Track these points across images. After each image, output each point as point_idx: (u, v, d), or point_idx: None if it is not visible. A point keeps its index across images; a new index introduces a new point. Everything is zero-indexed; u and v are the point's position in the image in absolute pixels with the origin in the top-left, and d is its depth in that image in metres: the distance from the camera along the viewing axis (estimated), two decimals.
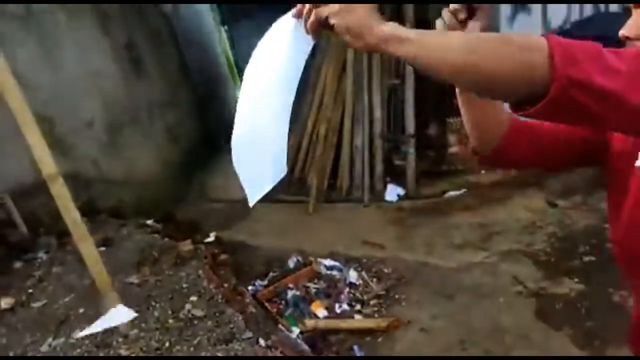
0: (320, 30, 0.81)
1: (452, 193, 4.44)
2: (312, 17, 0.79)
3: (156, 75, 5.66)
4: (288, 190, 5.33)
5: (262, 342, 2.67)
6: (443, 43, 0.73)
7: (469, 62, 0.70)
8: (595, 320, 2.77)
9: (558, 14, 4.11)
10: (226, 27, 5.67)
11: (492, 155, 1.12)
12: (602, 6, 3.89)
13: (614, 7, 3.88)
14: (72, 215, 2.40)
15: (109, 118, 4.73)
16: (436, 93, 4.80)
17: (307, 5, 0.80)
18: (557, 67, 0.66)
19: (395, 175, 4.80)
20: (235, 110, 0.94)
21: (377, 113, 4.55)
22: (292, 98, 0.89)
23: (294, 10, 0.85)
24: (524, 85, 0.69)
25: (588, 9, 3.90)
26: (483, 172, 4.56)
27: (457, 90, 1.06)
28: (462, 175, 4.59)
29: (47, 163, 2.25)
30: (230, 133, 0.95)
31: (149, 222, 4.29)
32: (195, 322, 2.93)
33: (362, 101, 4.61)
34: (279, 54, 0.87)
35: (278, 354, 2.56)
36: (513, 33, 0.73)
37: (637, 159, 1.01)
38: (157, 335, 2.83)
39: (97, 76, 4.54)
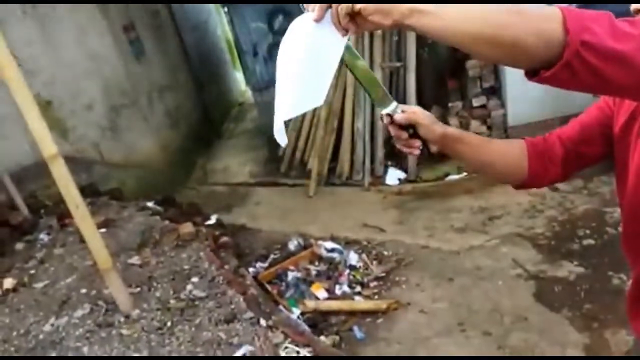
0: (350, 21, 0.81)
1: (453, 176, 4.44)
2: (343, 11, 0.79)
3: (156, 58, 5.64)
4: (289, 173, 5.34)
5: (262, 322, 2.69)
6: (463, 15, 0.75)
7: (489, 33, 0.73)
8: (594, 303, 2.79)
9: None
10: (226, 9, 5.62)
11: (526, 184, 1.21)
12: None
13: None
14: (73, 197, 2.39)
15: (108, 101, 4.71)
16: (437, 76, 4.77)
17: (333, 5, 0.81)
18: (570, 32, 0.70)
19: (396, 159, 4.79)
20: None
21: None
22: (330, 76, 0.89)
23: (314, 15, 0.83)
24: (540, 52, 0.73)
25: None
26: None
27: (466, 158, 1.17)
28: None
29: (48, 144, 2.25)
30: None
31: (150, 204, 4.29)
32: (197, 302, 2.95)
33: None
34: (311, 52, 0.86)
35: (279, 334, 2.59)
36: (527, 5, 0.77)
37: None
38: (159, 315, 2.85)
39: (97, 59, 4.51)
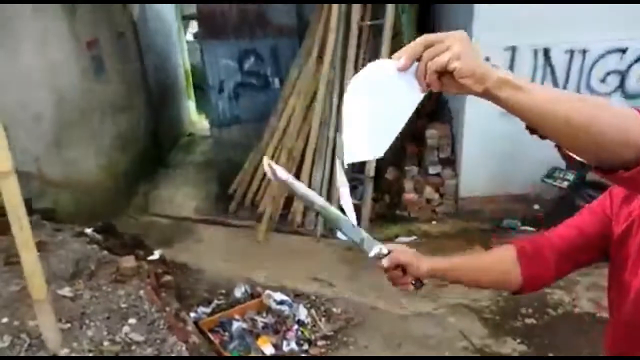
0: (437, 79, 0.78)
1: (402, 239, 4.50)
2: (433, 67, 0.76)
3: (114, 78, 5.43)
4: (237, 214, 5.20)
5: None
6: (552, 97, 0.75)
7: (575, 120, 0.73)
8: None
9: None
10: (195, 40, 5.58)
11: (524, 288, 1.21)
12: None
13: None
14: (19, 218, 2.17)
15: (59, 115, 4.44)
16: (397, 140, 4.91)
17: (424, 56, 0.77)
18: None
19: None
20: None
21: (340, 151, 4.57)
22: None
23: (399, 63, 0.80)
24: (617, 149, 0.74)
25: (549, 81, 4.18)
26: (434, 222, 4.67)
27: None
28: (414, 222, 4.68)
29: (3, 159, 2.04)
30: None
31: (88, 230, 3.98)
32: (134, 347, 2.72)
33: (327, 136, 4.63)
34: (384, 100, 0.84)
35: None
36: (615, 104, 0.80)
37: None
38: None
39: (54, 70, 4.27)
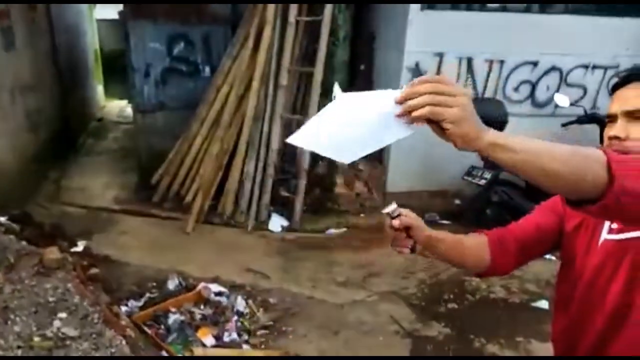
0: (424, 121, 0.81)
1: (333, 230, 4.65)
2: (425, 111, 0.79)
3: (25, 53, 5.00)
4: (162, 205, 5.02)
5: None
6: (536, 152, 0.82)
7: (558, 171, 0.82)
8: None
9: None
10: (119, 17, 5.28)
11: (488, 272, 1.36)
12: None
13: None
14: None
15: None
16: None
17: (426, 98, 0.79)
18: (615, 177, 0.82)
19: (280, 206, 4.85)
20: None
21: (275, 143, 4.60)
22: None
23: (397, 95, 0.82)
24: (586, 189, 0.84)
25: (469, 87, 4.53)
26: (362, 215, 4.87)
27: (442, 252, 1.30)
28: (344, 214, 4.84)
29: None
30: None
31: (2, 219, 3.65)
32: (68, 342, 2.56)
33: (261, 128, 4.63)
34: (372, 122, 0.85)
35: None
36: (580, 147, 0.89)
37: (597, 238, 1.21)
38: (21, 355, 2.41)
39: None
